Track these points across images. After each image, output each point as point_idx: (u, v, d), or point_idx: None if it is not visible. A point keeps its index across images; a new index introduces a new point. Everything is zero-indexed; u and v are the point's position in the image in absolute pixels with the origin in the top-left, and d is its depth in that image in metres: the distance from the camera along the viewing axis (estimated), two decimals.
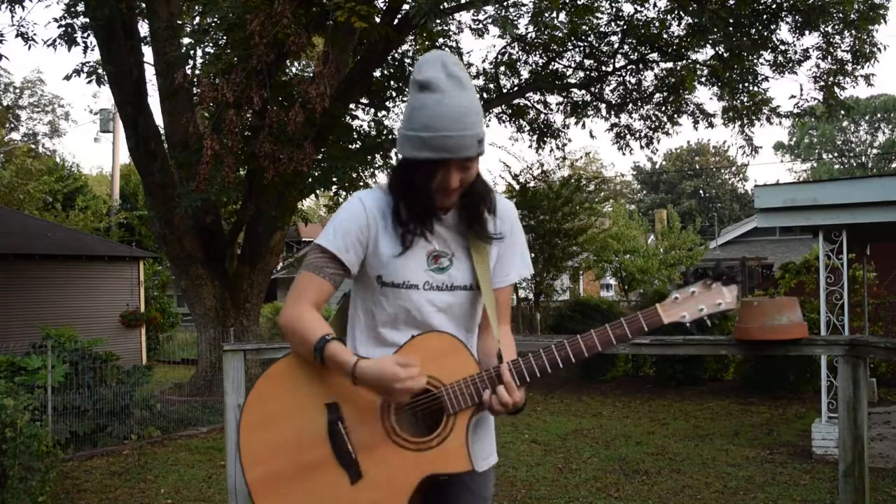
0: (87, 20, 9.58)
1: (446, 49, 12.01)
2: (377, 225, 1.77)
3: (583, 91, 12.65)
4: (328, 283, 1.77)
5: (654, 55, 11.65)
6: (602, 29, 11.58)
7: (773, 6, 9.95)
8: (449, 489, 1.80)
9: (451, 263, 1.80)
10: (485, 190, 1.80)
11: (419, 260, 1.78)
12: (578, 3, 10.35)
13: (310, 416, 1.72)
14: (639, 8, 10.92)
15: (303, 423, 1.72)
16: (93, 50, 10.04)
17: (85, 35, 9.93)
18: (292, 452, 1.71)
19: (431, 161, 1.64)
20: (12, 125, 27.94)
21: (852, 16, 9.69)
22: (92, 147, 79.52)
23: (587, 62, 12.15)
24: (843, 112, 11.67)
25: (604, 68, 12.06)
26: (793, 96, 15.34)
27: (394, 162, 9.97)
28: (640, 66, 11.96)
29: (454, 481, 1.79)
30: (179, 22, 9.55)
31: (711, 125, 12.52)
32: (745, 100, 11.57)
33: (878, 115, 44.69)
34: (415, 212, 1.74)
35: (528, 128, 13.29)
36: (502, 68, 12.30)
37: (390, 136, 10.86)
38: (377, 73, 10.85)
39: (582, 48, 11.97)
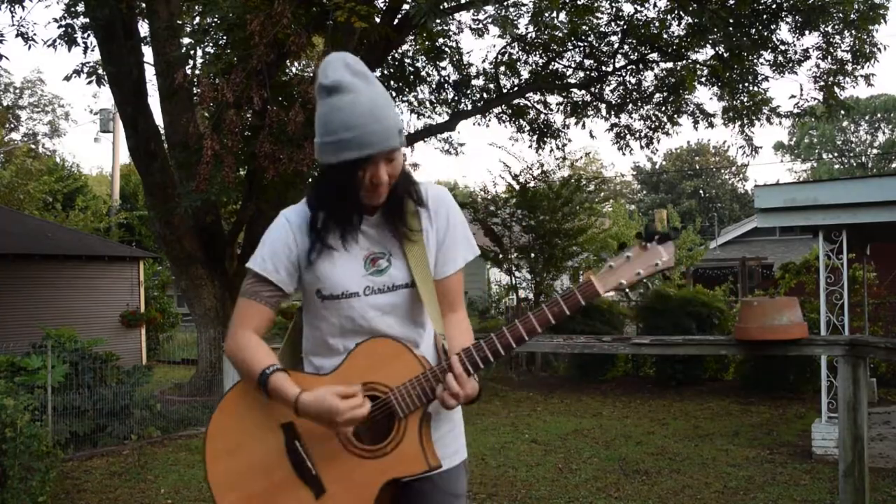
0: (87, 20, 9.57)
1: (446, 49, 12.04)
2: (304, 240, 1.76)
3: (583, 91, 12.65)
4: (265, 307, 1.77)
5: (654, 55, 11.66)
6: (602, 29, 11.58)
7: (773, 6, 9.96)
8: (418, 489, 1.80)
9: (389, 264, 1.77)
10: (407, 182, 1.75)
11: (356, 266, 1.75)
12: (578, 3, 10.36)
13: (267, 439, 1.74)
14: (639, 8, 10.93)
15: (262, 447, 1.74)
16: (93, 50, 10.05)
17: (85, 35, 9.93)
18: (257, 477, 1.74)
19: (359, 160, 1.62)
20: (12, 125, 27.93)
21: (852, 16, 9.69)
22: (92, 147, 79.51)
23: (587, 62, 12.15)
24: (843, 112, 11.68)
25: (604, 68, 12.06)
26: (793, 96, 15.35)
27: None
28: (640, 66, 11.97)
29: (422, 481, 1.78)
30: (179, 22, 9.55)
31: (711, 125, 12.53)
32: (745, 100, 11.57)
33: (878, 115, 44.67)
34: (343, 217, 1.72)
35: (528, 128, 13.29)
36: (502, 68, 12.30)
37: None
38: (377, 73, 10.85)
39: (582, 48, 11.97)
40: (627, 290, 1.71)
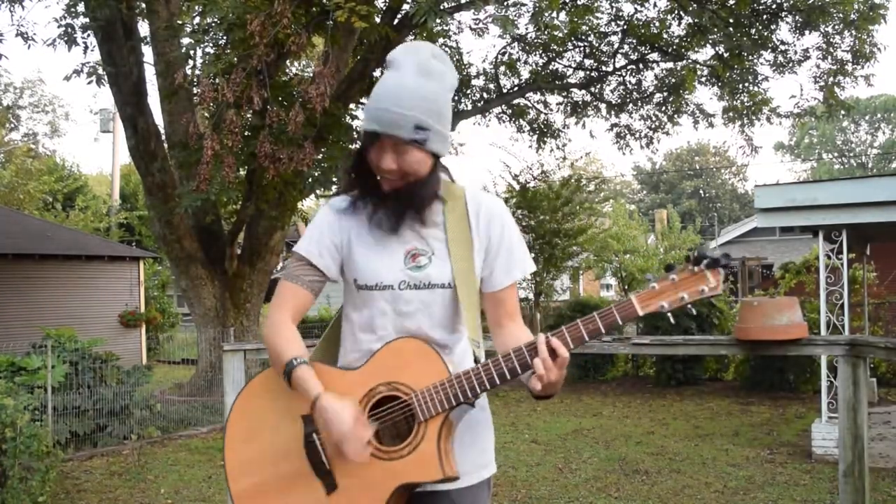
0: (87, 20, 9.57)
1: (446, 49, 12.02)
2: (349, 226, 1.75)
3: (583, 91, 12.67)
4: (305, 290, 1.75)
5: (654, 55, 11.67)
6: (602, 29, 11.60)
7: (773, 6, 9.97)
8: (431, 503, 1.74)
9: (429, 261, 1.73)
10: (428, 189, 1.68)
11: (395, 259, 1.72)
12: (578, 3, 10.37)
13: (287, 428, 1.71)
14: (639, 8, 10.94)
15: (281, 436, 1.72)
16: (93, 50, 10.03)
17: (85, 35, 9.92)
18: (272, 465, 1.72)
19: (367, 133, 1.64)
20: (12, 125, 27.92)
21: (852, 16, 9.71)
22: (92, 147, 79.46)
23: (587, 62, 12.17)
24: (843, 112, 11.69)
25: (604, 68, 12.07)
26: (793, 96, 15.38)
27: None
28: (640, 66, 11.98)
29: (438, 496, 1.73)
30: (179, 22, 9.54)
31: (711, 125, 12.56)
32: (745, 100, 11.59)
33: (878, 115, 44.71)
34: (365, 186, 1.71)
35: (528, 128, 13.30)
36: (502, 68, 12.30)
37: None
38: (377, 73, 10.85)
39: (582, 48, 11.99)
40: (669, 313, 1.61)
